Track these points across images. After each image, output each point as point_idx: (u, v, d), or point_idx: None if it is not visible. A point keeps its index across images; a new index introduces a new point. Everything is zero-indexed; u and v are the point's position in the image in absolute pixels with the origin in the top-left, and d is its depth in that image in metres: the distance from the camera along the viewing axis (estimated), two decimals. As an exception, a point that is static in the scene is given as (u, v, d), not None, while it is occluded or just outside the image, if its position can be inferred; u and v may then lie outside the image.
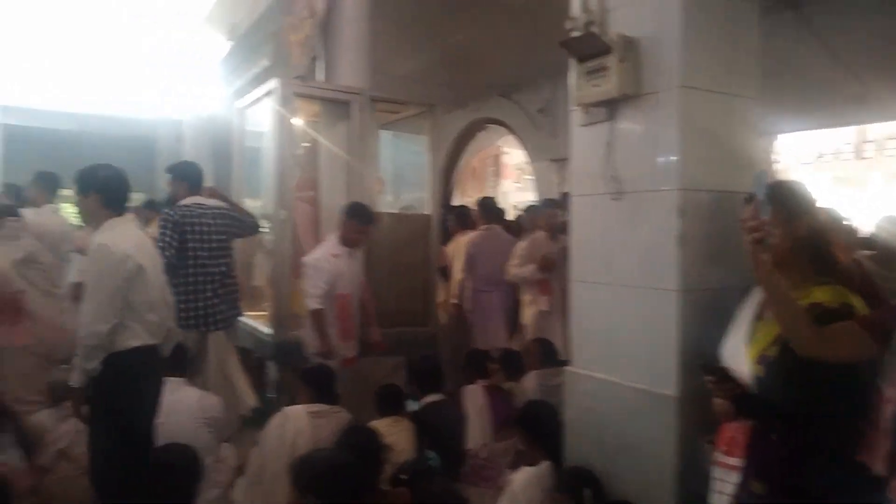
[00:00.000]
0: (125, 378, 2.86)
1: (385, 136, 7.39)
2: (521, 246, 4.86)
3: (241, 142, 5.56)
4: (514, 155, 10.25)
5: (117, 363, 2.84)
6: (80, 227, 5.12)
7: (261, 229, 4.61)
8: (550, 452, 2.74)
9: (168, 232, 3.85)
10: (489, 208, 5.53)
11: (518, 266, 4.79)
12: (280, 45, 5.46)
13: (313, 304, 3.96)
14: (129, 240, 2.94)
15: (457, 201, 8.83)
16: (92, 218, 3.00)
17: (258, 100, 4.91)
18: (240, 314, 4.29)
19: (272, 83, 4.51)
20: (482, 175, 11.01)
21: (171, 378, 3.34)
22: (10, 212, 4.31)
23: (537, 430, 2.81)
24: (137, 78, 10.70)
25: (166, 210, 4.02)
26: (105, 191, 2.97)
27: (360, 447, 2.48)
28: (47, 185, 5.01)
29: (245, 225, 4.29)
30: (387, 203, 7.98)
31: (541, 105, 7.58)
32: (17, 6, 9.20)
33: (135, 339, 2.87)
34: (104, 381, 2.86)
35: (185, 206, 4.00)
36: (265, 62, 6.63)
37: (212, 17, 7.25)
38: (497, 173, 10.96)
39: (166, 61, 9.72)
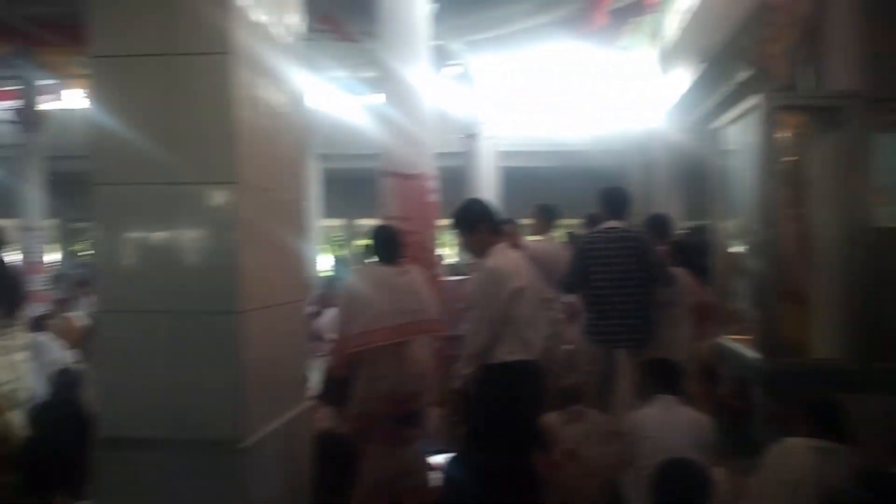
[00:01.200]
0: (497, 389, 3.17)
1: (887, 140, 6.35)
2: None
3: (717, 162, 5.49)
4: None
5: (493, 375, 3.16)
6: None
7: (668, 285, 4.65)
8: None
9: (573, 260, 4.46)
10: None
11: None
12: (756, 58, 5.24)
13: None
14: (511, 263, 3.30)
15: None
16: (483, 248, 3.35)
17: (737, 118, 4.80)
18: (648, 339, 4.34)
19: (754, 99, 4.34)
20: None
21: (664, 396, 3.50)
22: None
23: None
24: (607, 111, 11.60)
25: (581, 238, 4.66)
26: (490, 219, 3.39)
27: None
28: (546, 216, 5.51)
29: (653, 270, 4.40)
30: (890, 216, 6.80)
31: None
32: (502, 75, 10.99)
33: (510, 354, 3.16)
34: (481, 390, 3.20)
35: (596, 231, 4.45)
36: (739, 79, 6.43)
37: (681, 44, 7.39)
38: None
39: (635, 93, 10.26)
